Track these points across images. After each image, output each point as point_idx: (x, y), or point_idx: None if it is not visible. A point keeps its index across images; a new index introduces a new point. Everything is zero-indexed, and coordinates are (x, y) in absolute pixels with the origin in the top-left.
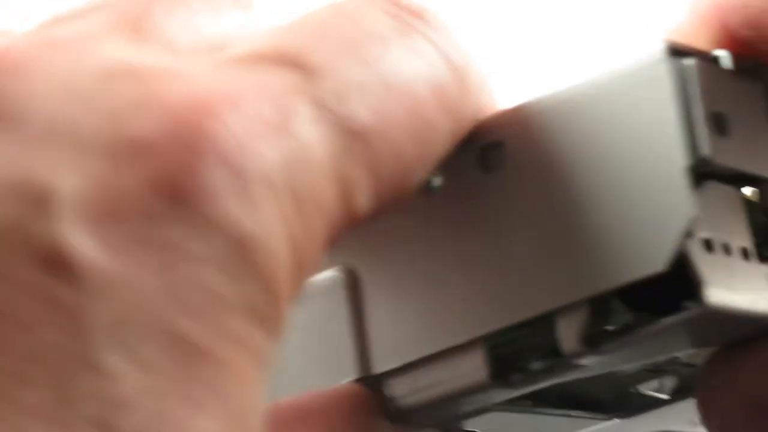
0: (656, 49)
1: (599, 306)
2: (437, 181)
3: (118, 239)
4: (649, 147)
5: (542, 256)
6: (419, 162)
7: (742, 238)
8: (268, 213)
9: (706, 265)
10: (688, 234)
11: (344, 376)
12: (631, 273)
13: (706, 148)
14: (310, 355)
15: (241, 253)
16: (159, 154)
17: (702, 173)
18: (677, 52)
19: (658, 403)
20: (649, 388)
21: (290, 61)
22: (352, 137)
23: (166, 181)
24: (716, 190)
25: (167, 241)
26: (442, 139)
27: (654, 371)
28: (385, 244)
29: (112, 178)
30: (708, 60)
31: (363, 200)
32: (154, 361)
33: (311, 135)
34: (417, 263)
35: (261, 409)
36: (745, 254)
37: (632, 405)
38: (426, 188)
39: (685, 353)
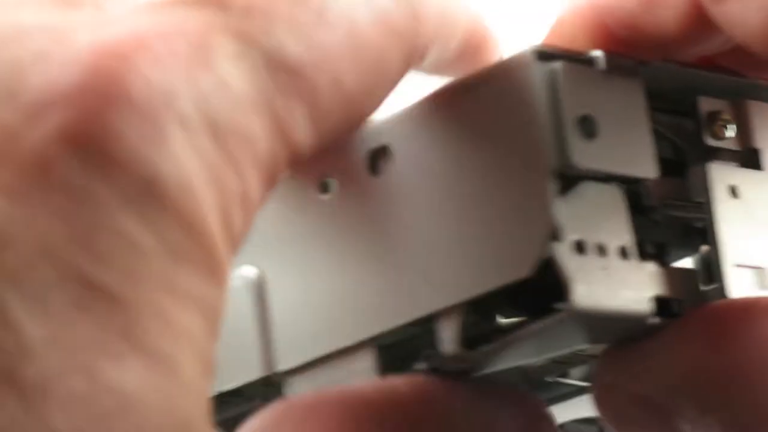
0: (524, 52)
1: (476, 309)
2: (333, 185)
3: (20, 187)
4: (518, 151)
5: (424, 258)
6: (368, 92)
7: (620, 237)
8: (181, 151)
9: (576, 268)
10: (555, 238)
11: (250, 375)
12: (500, 278)
13: (571, 151)
14: (218, 354)
15: (153, 193)
16: (63, 101)
17: (573, 176)
18: (545, 55)
19: (579, 391)
20: (574, 377)
21: (212, 1)
22: (283, 69)
23: (70, 126)
24: (593, 190)
25: (73, 187)
26: (392, 67)
27: (563, 363)
28: (289, 246)
29: (12, 127)
30: (580, 62)
31: (302, 134)
32: (61, 310)
33: (232, 70)
34: (317, 265)
35: (197, 359)
36: (624, 253)
37: (551, 393)
38: (323, 191)
39: (592, 346)
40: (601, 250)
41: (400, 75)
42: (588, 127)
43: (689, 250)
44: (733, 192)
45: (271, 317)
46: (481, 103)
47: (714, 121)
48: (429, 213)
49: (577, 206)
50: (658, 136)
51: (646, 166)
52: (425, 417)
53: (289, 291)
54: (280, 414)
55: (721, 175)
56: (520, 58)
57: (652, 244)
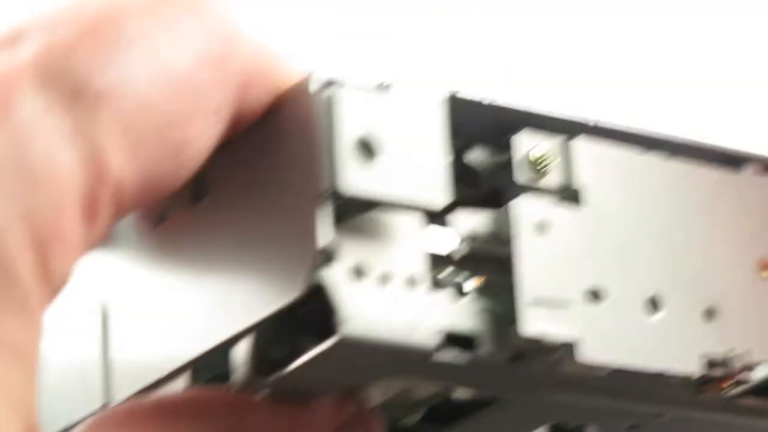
0: (305, 78)
1: (267, 334)
2: (166, 214)
3: None
4: (299, 176)
5: (225, 285)
6: (185, 118)
7: (409, 266)
8: None
9: (350, 294)
10: (326, 262)
11: (92, 406)
12: (276, 302)
13: (343, 175)
14: (65, 389)
15: None
16: None
17: (359, 201)
18: (326, 81)
19: None
20: None
21: (20, 37)
22: (87, 98)
23: None
24: (381, 217)
25: None
26: (207, 94)
27: (410, 405)
28: (130, 277)
29: None
30: (366, 89)
31: (119, 163)
32: None
33: (38, 109)
34: (150, 296)
35: (16, 410)
36: (412, 283)
37: None
38: (161, 220)
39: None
40: (385, 278)
41: (221, 105)
42: (367, 152)
43: (495, 285)
44: (541, 229)
45: (111, 349)
46: (272, 130)
47: (531, 158)
48: (230, 239)
49: (360, 232)
50: (474, 172)
51: (434, 195)
52: (236, 421)
53: (127, 323)
54: (99, 420)
55: (529, 212)
56: (302, 84)
57: (452, 277)
